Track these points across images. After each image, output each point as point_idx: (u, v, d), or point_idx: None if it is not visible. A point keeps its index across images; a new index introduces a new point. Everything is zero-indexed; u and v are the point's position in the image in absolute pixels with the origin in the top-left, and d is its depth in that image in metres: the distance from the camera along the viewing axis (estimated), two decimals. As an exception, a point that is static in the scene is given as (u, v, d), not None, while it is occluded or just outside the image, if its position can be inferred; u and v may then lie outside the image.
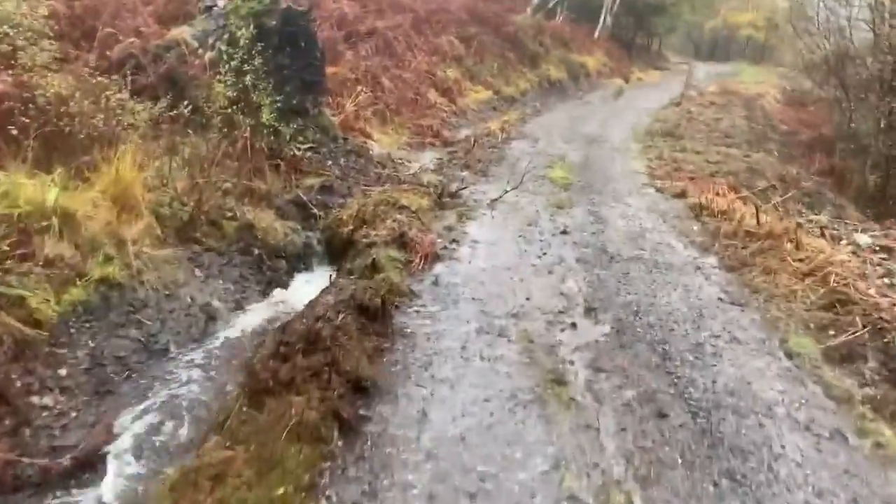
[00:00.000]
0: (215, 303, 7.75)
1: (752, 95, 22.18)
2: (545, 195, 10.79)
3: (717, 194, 11.10)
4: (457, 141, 15.42)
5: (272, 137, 10.83)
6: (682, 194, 11.15)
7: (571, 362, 5.66)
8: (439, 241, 8.47)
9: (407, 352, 5.74)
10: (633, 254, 8.21)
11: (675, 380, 5.40)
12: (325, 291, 7.21)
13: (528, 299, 6.86)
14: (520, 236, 8.77)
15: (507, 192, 10.47)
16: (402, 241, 7.97)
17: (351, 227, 9.43)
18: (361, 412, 4.81)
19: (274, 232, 9.44)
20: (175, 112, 9.95)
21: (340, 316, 5.82)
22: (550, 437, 4.64)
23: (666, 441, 4.62)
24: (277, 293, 8.67)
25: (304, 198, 10.28)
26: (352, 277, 7.42)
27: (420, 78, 16.89)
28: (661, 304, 6.81)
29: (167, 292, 7.47)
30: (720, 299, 7.04)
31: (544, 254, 8.15)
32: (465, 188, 10.55)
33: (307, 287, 8.91)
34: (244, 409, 4.68)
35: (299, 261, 9.62)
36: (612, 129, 16.91)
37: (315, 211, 10.17)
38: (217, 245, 8.63)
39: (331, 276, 7.80)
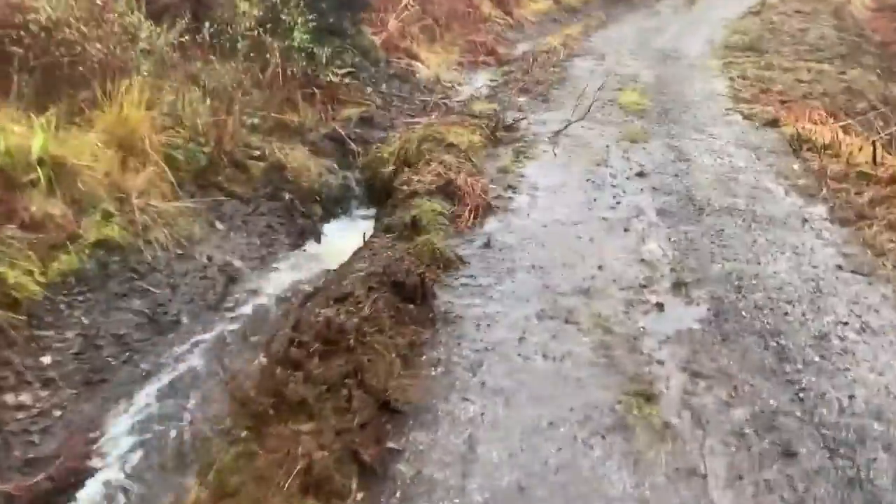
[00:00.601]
0: (237, 262, 6.62)
1: (839, 1, 19.68)
2: (616, 125, 9.25)
3: (815, 122, 9.40)
4: (513, 59, 13.79)
5: (305, 62, 9.46)
6: (773, 122, 9.46)
7: (660, 362, 4.36)
8: (492, 187, 7.12)
9: (451, 346, 4.51)
10: (725, 203, 6.74)
11: (800, 392, 4.07)
12: (356, 255, 5.99)
13: (600, 268, 5.52)
14: (587, 180, 7.35)
15: (571, 122, 8.97)
16: (448, 190, 6.65)
17: (392, 168, 8.13)
18: (390, 444, 3.63)
19: (307, 172, 8.21)
20: (197, 36, 8.66)
21: (370, 299, 4.61)
22: (640, 491, 3.39)
23: (801, 501, 3.33)
24: (310, 246, 7.49)
25: (342, 132, 8.96)
26: (389, 236, 6.17)
27: (472, -13, 15.11)
28: (767, 275, 5.40)
29: (179, 252, 6.35)
30: (839, 266, 5.58)
31: (618, 203, 6.74)
32: (523, 119, 9.08)
33: (343, 239, 7.73)
34: (240, 440, 3.55)
35: (336, 204, 8.41)
36: (687, 43, 14.97)
37: (353, 147, 8.87)
38: (242, 191, 7.45)
39: (364, 234, 6.54)
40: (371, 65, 10.17)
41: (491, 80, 12.32)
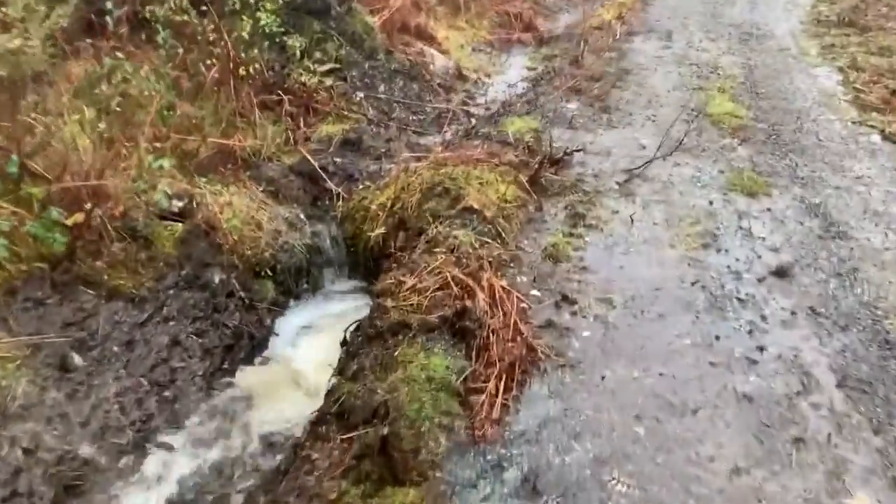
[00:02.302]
0: (87, 450, 3.62)
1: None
2: (712, 158, 6.02)
3: None
4: (555, 36, 10.45)
5: (270, 56, 6.32)
6: (940, 151, 6.18)
7: None
8: (535, 294, 4.04)
9: None
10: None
11: None
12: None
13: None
14: (693, 283, 4.20)
15: (652, 159, 5.77)
16: (461, 325, 3.57)
17: (381, 233, 5.04)
18: None
19: (255, 232, 5.16)
20: (101, 18, 5.61)
21: None
22: None
23: None
24: (244, 377, 4.51)
25: (314, 162, 5.86)
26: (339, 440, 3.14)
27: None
28: None
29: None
30: None
31: (761, 354, 3.62)
32: (578, 150, 5.87)
33: (303, 348, 4.77)
34: None
35: (300, 278, 5.39)
36: (766, 16, 11.48)
37: (331, 186, 5.77)
38: (133, 283, 4.46)
39: (346, 335, 3.53)
40: (365, 57, 6.95)
41: (529, 69, 9.04)
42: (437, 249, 4.21)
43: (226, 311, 4.75)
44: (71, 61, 5.79)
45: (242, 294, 4.91)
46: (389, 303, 3.85)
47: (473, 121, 6.78)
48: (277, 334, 4.96)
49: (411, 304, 3.76)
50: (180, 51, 5.66)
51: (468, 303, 3.54)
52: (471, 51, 9.37)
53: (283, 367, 4.65)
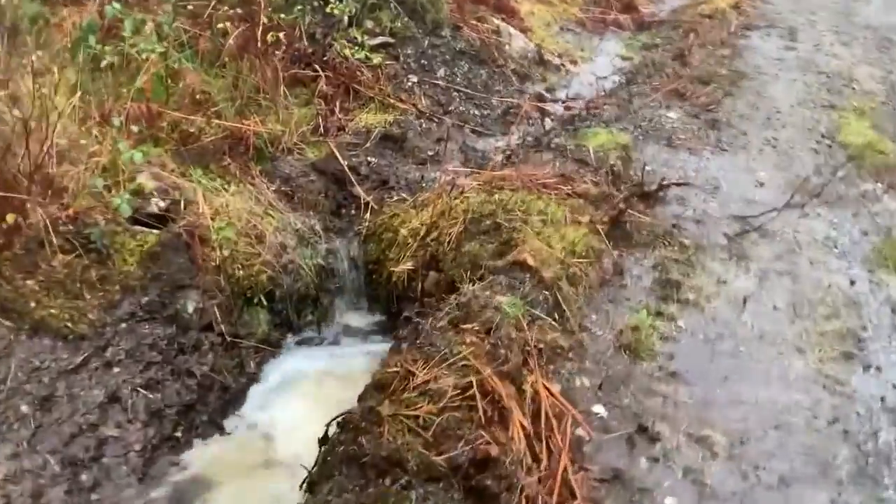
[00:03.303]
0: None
1: None
2: (850, 207, 4.51)
3: None
4: (658, 21, 8.84)
5: (310, 19, 5.06)
6: None
7: None
8: (601, 413, 2.72)
9: None
10: None
11: None
12: None
13: None
14: (831, 423, 2.81)
15: (777, 210, 4.28)
16: (477, 480, 2.30)
17: (409, 267, 3.76)
18: None
19: (253, 246, 3.98)
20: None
21: None
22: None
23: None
24: (191, 457, 3.33)
25: (342, 161, 4.60)
26: None
27: None
28: None
29: None
30: None
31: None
32: (682, 183, 4.41)
33: (290, 406, 3.63)
34: None
35: (304, 307, 4.19)
36: (909, 18, 9.56)
37: (359, 192, 4.52)
38: (63, 324, 3.29)
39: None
40: (425, 32, 5.59)
41: (623, 59, 7.52)
42: (468, 326, 2.91)
43: (196, 351, 3.58)
44: (70, 6, 4.66)
45: (223, 328, 3.73)
46: (387, 408, 2.59)
47: (549, 122, 5.38)
48: (261, 383, 3.77)
49: (416, 420, 2.49)
50: (191, 6, 4.43)
51: (493, 450, 2.24)
52: (557, 30, 7.88)
53: (258, 439, 3.47)
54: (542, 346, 2.94)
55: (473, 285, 3.26)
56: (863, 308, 3.51)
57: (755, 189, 4.59)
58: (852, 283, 3.70)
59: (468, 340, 2.83)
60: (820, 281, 3.69)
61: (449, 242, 3.78)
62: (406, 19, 5.38)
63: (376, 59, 5.19)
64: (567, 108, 5.68)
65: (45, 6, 4.36)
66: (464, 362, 2.73)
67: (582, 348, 3.06)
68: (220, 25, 4.51)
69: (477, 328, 2.92)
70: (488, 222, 3.73)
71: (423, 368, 2.74)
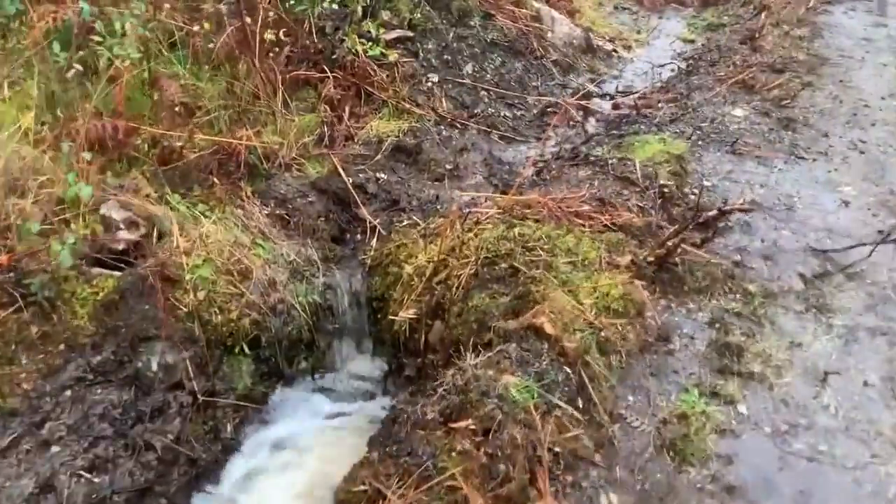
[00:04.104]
0: None
1: None
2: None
3: None
4: (724, -3, 7.80)
5: (320, 7, 4.37)
6: None
7: None
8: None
9: None
10: None
11: None
12: None
13: None
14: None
15: (871, 247, 3.39)
16: None
17: (412, 315, 3.08)
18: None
19: (232, 288, 3.37)
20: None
21: None
22: None
23: None
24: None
25: (346, 177, 3.93)
26: None
27: None
28: None
29: None
30: None
31: None
32: (747, 209, 3.56)
33: (275, 487, 3.02)
34: None
35: (297, 352, 3.58)
36: None
37: (365, 215, 3.85)
38: (5, 400, 2.74)
39: None
40: (451, 23, 4.81)
41: (684, 42, 6.59)
42: (462, 424, 2.21)
43: (158, 418, 3.00)
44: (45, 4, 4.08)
45: (196, 385, 3.14)
46: None
47: (592, 125, 4.57)
48: (238, 452, 3.17)
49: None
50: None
51: None
52: (611, 10, 6.96)
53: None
54: (558, 448, 2.22)
55: (478, 356, 2.55)
56: None
57: (839, 210, 3.71)
58: (970, 346, 2.83)
59: (459, 448, 2.14)
60: (926, 346, 2.83)
61: (458, 287, 3.07)
62: (427, 9, 4.63)
63: (392, 55, 4.48)
64: (615, 107, 4.84)
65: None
66: (451, 481, 2.04)
67: (612, 448, 2.33)
68: (207, 25, 3.84)
69: (473, 427, 2.22)
70: (504, 265, 3.00)
71: (398, 488, 2.06)
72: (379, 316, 3.63)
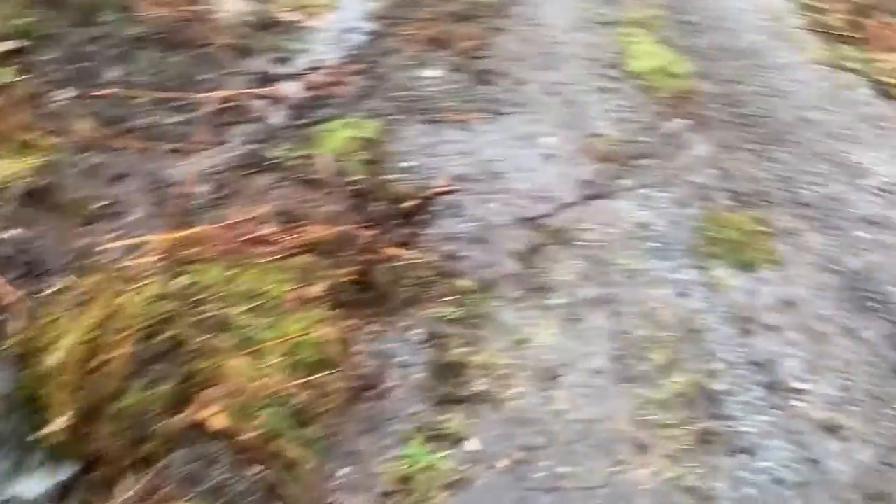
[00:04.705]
0: None
1: None
2: (654, 165, 3.50)
3: None
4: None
5: None
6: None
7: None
8: None
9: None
10: None
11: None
12: None
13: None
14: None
15: (572, 207, 3.14)
16: None
17: (68, 422, 2.27)
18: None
19: None
20: None
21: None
22: None
23: None
24: None
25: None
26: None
27: None
28: None
29: None
30: None
31: None
32: (448, 190, 3.14)
33: None
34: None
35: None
36: None
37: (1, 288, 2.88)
38: None
39: None
40: (74, 23, 3.85)
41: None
42: None
43: None
44: None
45: None
46: None
47: (280, 115, 3.92)
48: None
49: None
50: None
51: None
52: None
53: None
54: None
55: (137, 482, 1.87)
56: (704, 337, 2.50)
57: (544, 165, 3.45)
58: (682, 294, 2.67)
59: None
60: (643, 303, 2.63)
61: (114, 376, 2.33)
62: (44, 10, 3.61)
63: (6, 75, 3.45)
64: (309, 88, 4.23)
65: None
66: None
67: (324, 555, 1.80)
68: None
69: None
70: (165, 336, 2.31)
71: None
72: (41, 416, 2.76)
